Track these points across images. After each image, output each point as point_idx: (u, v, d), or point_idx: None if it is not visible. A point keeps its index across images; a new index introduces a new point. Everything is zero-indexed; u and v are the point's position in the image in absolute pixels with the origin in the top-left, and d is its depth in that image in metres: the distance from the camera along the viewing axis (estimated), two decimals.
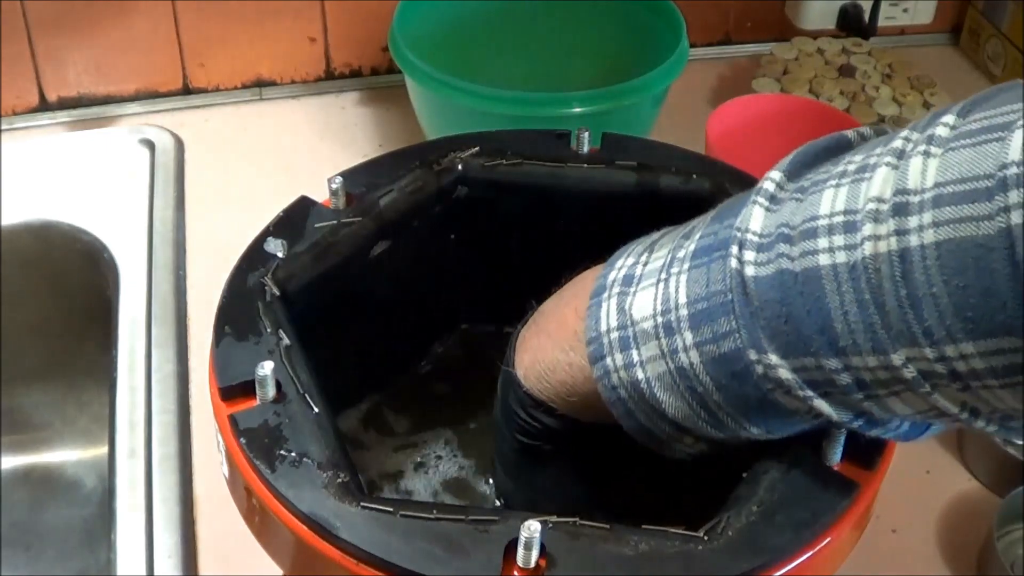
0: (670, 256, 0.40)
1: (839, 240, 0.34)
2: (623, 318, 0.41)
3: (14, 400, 0.88)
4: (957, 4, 1.10)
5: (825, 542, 0.40)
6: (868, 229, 0.33)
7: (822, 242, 0.34)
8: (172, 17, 0.94)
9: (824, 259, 0.34)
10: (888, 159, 0.34)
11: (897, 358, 0.33)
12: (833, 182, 0.35)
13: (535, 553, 0.38)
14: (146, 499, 0.63)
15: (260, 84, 1.00)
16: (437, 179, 0.56)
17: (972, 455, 0.68)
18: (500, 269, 0.60)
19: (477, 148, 0.57)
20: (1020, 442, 0.68)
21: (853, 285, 0.33)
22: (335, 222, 0.52)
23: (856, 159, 0.35)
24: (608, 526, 0.39)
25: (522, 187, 0.57)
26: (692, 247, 0.40)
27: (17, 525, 0.84)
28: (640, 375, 0.40)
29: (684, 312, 0.39)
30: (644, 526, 0.40)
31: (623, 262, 0.43)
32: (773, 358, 0.36)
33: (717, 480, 0.44)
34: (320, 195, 0.54)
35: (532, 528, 0.37)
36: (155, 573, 0.60)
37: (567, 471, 0.49)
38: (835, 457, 0.42)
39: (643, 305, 0.40)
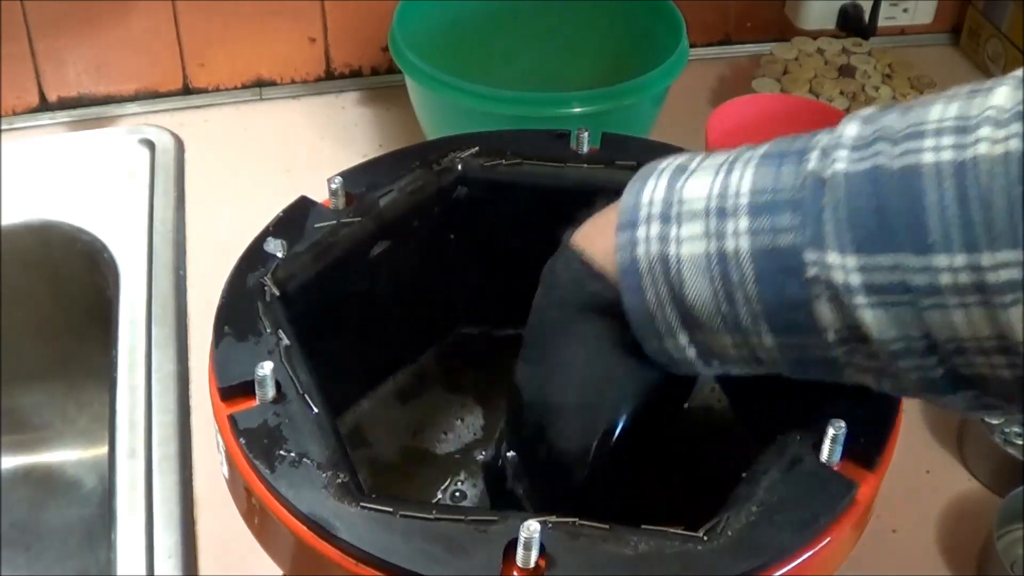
0: (732, 157, 0.40)
1: (947, 140, 0.34)
2: (670, 195, 0.40)
3: (14, 400, 0.88)
4: (957, 4, 1.10)
5: (825, 542, 0.40)
6: (986, 132, 0.33)
7: (928, 142, 0.34)
8: (172, 17, 0.94)
9: (928, 157, 0.34)
10: (1010, 81, 0.34)
11: (988, 258, 0.33)
12: (943, 100, 0.36)
13: (535, 553, 0.38)
14: (146, 499, 0.63)
15: (260, 84, 1.00)
16: (437, 179, 0.56)
17: (972, 455, 0.68)
18: (500, 269, 0.60)
19: (477, 148, 0.57)
20: (1021, 442, 0.68)
21: (957, 182, 0.33)
22: (335, 222, 0.52)
23: (963, 89, 0.36)
24: (608, 526, 0.39)
25: (522, 187, 0.57)
26: (760, 152, 0.40)
27: (17, 525, 0.84)
28: (672, 250, 0.39)
29: (744, 200, 0.38)
30: (644, 526, 0.40)
31: (673, 159, 0.42)
32: (835, 258, 0.36)
33: (717, 480, 0.44)
34: (320, 195, 0.54)
35: (532, 528, 0.37)
36: (155, 573, 0.60)
37: (596, 349, 0.47)
38: (835, 457, 0.42)
39: (697, 187, 0.40)
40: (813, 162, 0.37)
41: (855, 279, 0.36)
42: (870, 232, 0.35)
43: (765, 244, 0.37)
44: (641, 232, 0.40)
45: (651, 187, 0.41)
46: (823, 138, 0.38)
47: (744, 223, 0.38)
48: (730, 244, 0.38)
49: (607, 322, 0.43)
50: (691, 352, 0.41)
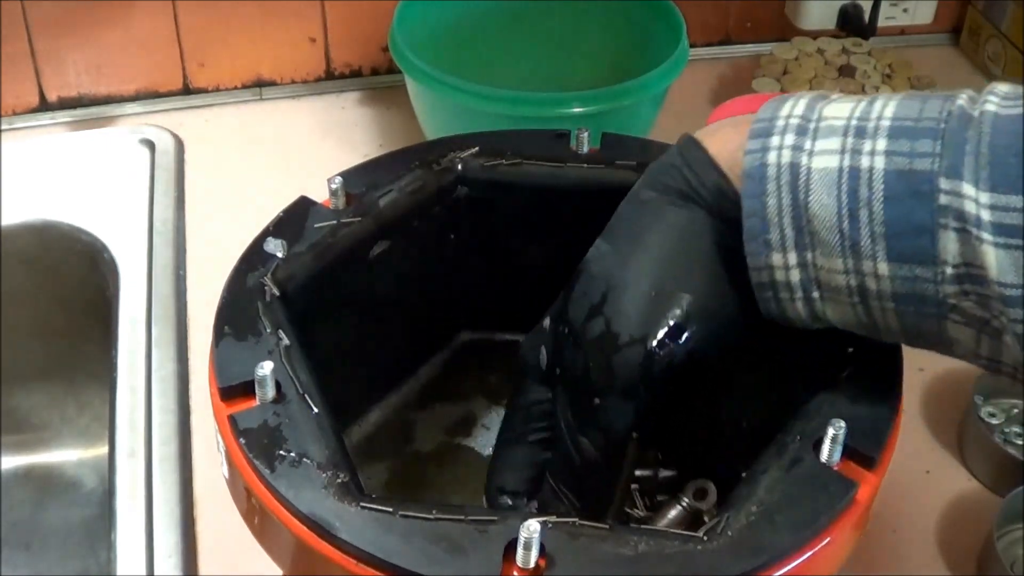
0: (873, 97, 0.41)
1: None
2: (809, 113, 0.41)
3: (14, 400, 0.88)
4: (957, 4, 1.10)
5: (825, 542, 0.40)
6: None
7: None
8: (172, 17, 0.94)
9: None
10: None
11: None
12: None
13: (534, 553, 0.38)
14: (146, 499, 0.63)
15: (260, 84, 1.00)
16: (437, 179, 0.56)
17: (972, 455, 0.68)
18: (500, 268, 0.60)
19: (477, 148, 0.57)
20: (1021, 442, 0.68)
21: None
22: (335, 222, 0.52)
23: None
24: (608, 526, 0.39)
25: (522, 187, 0.57)
26: (901, 94, 0.41)
27: (17, 525, 0.84)
28: (804, 161, 0.39)
29: (885, 123, 0.39)
30: (644, 526, 0.40)
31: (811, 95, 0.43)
32: (969, 190, 0.36)
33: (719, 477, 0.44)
34: (320, 195, 0.54)
35: (531, 528, 0.37)
36: (155, 573, 0.60)
37: (688, 242, 0.46)
38: (835, 457, 0.42)
39: (837, 109, 0.41)
40: (962, 100, 0.38)
41: (986, 215, 0.36)
42: (1009, 173, 0.36)
43: (900, 166, 0.38)
44: (775, 140, 0.40)
45: (790, 105, 0.42)
46: (969, 91, 0.39)
47: (882, 144, 0.38)
48: (864, 162, 0.38)
49: (710, 221, 0.43)
50: (795, 276, 0.41)
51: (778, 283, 0.41)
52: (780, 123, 0.41)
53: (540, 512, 0.46)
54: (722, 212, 0.43)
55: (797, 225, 0.40)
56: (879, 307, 0.40)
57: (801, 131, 0.40)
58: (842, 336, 0.47)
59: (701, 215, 0.44)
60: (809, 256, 0.40)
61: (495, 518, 0.39)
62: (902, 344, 0.44)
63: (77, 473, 0.89)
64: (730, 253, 0.43)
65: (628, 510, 0.50)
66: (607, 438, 0.45)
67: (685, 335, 0.44)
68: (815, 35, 1.02)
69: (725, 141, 0.43)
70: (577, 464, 0.46)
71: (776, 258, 0.41)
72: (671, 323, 0.44)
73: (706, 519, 0.45)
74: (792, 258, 0.41)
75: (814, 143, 0.40)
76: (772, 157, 0.40)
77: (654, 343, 0.43)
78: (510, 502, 0.49)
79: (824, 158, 0.39)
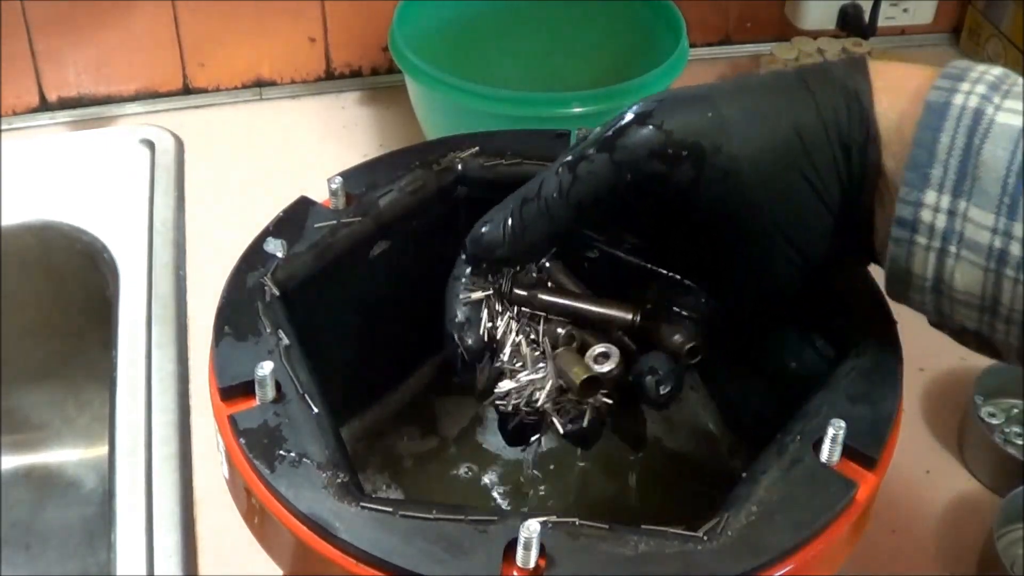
0: None
1: None
2: (1004, 76, 0.41)
3: (14, 400, 0.88)
4: (957, 4, 1.10)
5: (825, 542, 0.40)
6: None
7: None
8: (172, 17, 0.94)
9: None
10: None
11: None
12: None
13: (534, 553, 0.38)
14: (146, 499, 0.63)
15: (260, 84, 1.00)
16: (437, 179, 0.56)
17: (972, 455, 0.68)
18: None
19: (477, 148, 0.57)
20: (1021, 442, 0.68)
21: None
22: (335, 222, 0.52)
23: None
24: (607, 526, 0.39)
25: None
26: None
27: (17, 525, 0.84)
28: (989, 111, 0.39)
29: None
30: (644, 526, 0.40)
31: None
32: None
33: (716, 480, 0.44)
34: (320, 195, 0.54)
35: (531, 528, 0.37)
36: (155, 573, 0.60)
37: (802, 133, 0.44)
38: (835, 457, 0.42)
39: None
40: None
41: None
42: None
43: None
44: (965, 86, 0.40)
45: (984, 67, 0.41)
46: None
47: None
48: None
49: (812, 106, 0.42)
50: (941, 221, 0.40)
51: (921, 223, 0.40)
52: (974, 74, 0.41)
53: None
54: (848, 140, 0.42)
55: (962, 169, 0.39)
56: (1012, 279, 0.39)
57: (993, 87, 0.40)
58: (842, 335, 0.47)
59: (807, 98, 0.43)
60: (963, 205, 0.39)
61: (495, 518, 0.39)
62: (1010, 358, 0.43)
63: (77, 473, 0.89)
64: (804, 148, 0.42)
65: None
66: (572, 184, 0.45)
67: (710, 148, 0.43)
68: (815, 35, 1.02)
69: (905, 78, 0.42)
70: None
71: (930, 196, 0.40)
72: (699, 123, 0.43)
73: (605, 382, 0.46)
74: (945, 201, 0.39)
75: (1003, 100, 0.40)
76: (959, 99, 0.40)
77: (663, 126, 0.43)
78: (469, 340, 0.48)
79: (1010, 115, 0.39)
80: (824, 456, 0.42)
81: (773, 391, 0.51)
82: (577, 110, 0.75)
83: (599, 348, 0.47)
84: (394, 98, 0.97)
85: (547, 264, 0.49)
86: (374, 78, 1.02)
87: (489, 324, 0.48)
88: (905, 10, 1.03)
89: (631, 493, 0.57)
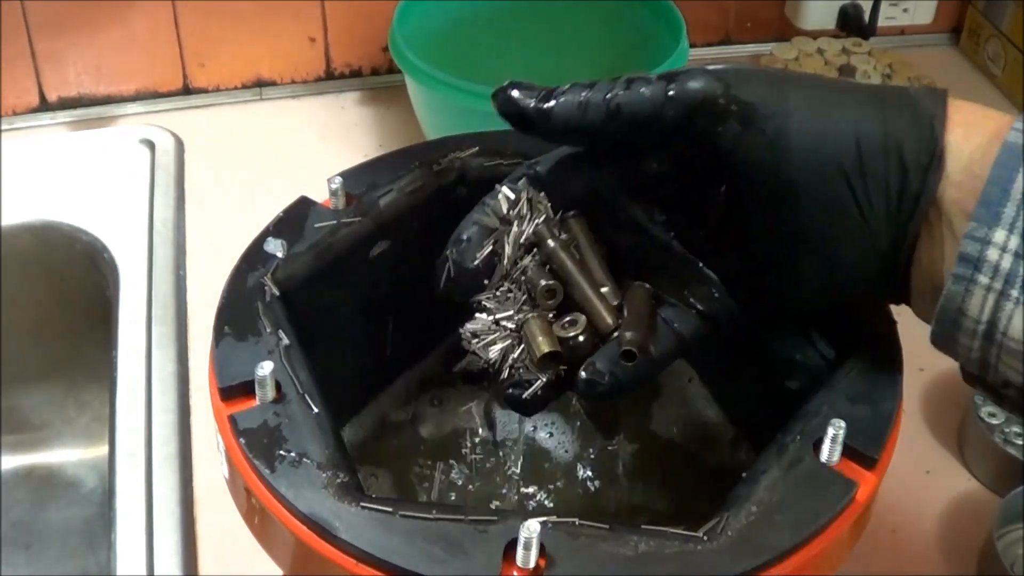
0: None
1: None
2: None
3: (14, 400, 0.88)
4: (957, 4, 1.10)
5: (825, 542, 0.40)
6: None
7: None
8: (172, 17, 0.94)
9: None
10: None
11: None
12: None
13: (534, 553, 0.38)
14: (146, 499, 0.63)
15: (260, 84, 1.00)
16: (437, 179, 0.56)
17: (972, 455, 0.68)
18: None
19: (477, 148, 0.57)
20: (1021, 442, 0.68)
21: None
22: (335, 222, 0.52)
23: None
24: (607, 526, 0.39)
25: None
26: None
27: (17, 525, 0.84)
28: None
29: None
30: (644, 526, 0.40)
31: None
32: None
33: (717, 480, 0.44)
34: (320, 195, 0.54)
35: (531, 528, 0.37)
36: (155, 573, 0.60)
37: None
38: (835, 457, 0.42)
39: None
40: None
41: None
42: None
43: None
44: None
45: None
46: None
47: None
48: None
49: (880, 120, 0.41)
50: (1007, 262, 0.39)
51: (985, 262, 0.39)
52: None
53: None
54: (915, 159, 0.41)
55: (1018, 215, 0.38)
56: None
57: None
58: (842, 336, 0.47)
59: (876, 112, 0.42)
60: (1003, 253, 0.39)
61: (495, 518, 0.39)
62: None
63: (77, 473, 0.89)
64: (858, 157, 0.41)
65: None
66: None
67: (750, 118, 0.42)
68: (815, 35, 1.02)
69: (984, 114, 0.42)
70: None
71: (999, 235, 0.39)
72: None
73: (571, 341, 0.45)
74: (1014, 242, 0.38)
75: None
76: None
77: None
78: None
79: None
80: (824, 456, 0.42)
81: (773, 391, 0.51)
82: None
83: (569, 316, 0.46)
84: (394, 98, 0.97)
85: (571, 217, 0.48)
86: (374, 78, 1.02)
87: (487, 253, 0.47)
88: (905, 10, 1.03)
89: (631, 492, 0.57)
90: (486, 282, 0.48)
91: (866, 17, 1.00)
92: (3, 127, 0.94)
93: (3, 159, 0.87)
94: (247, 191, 0.87)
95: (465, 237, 0.48)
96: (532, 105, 0.46)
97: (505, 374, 0.47)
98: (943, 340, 0.42)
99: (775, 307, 0.46)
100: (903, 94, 0.42)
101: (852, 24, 1.00)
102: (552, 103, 0.45)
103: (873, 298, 0.46)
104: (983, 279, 0.39)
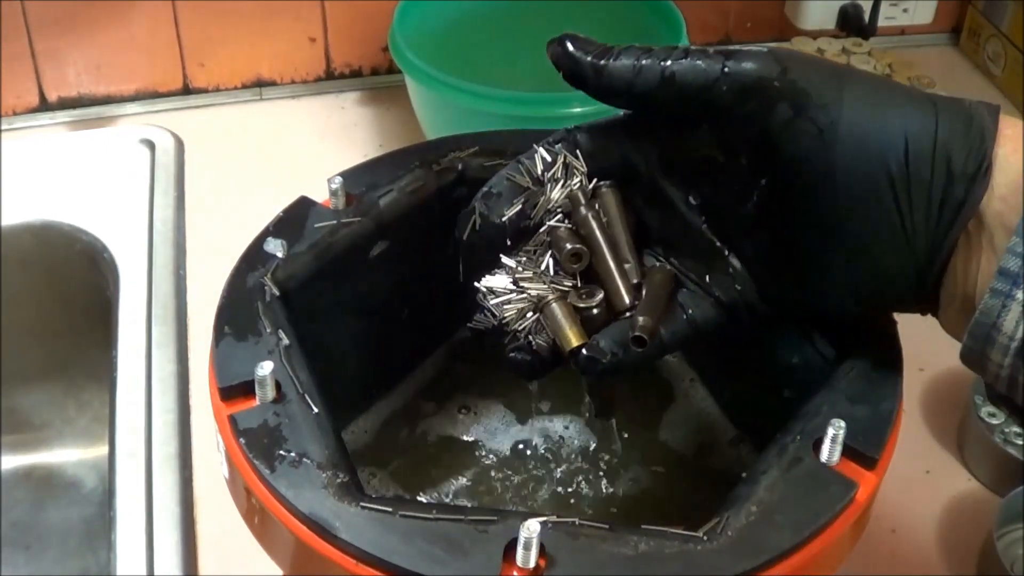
0: None
1: None
2: None
3: (14, 400, 0.88)
4: (957, 4, 1.10)
5: (825, 542, 0.40)
6: None
7: None
8: (172, 17, 0.94)
9: None
10: None
11: None
12: None
13: (534, 553, 0.38)
14: (146, 499, 0.63)
15: (260, 84, 1.00)
16: (437, 179, 0.56)
17: (972, 455, 0.68)
18: None
19: (477, 148, 0.57)
20: (1021, 442, 0.68)
21: None
22: (335, 222, 0.52)
23: None
24: (607, 526, 0.39)
25: None
26: None
27: (17, 525, 0.84)
28: None
29: None
30: (644, 526, 0.40)
31: None
32: None
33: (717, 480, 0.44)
34: (320, 195, 0.54)
35: (531, 528, 0.37)
36: (155, 573, 0.60)
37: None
38: (835, 457, 0.42)
39: None
40: None
41: None
42: None
43: None
44: None
45: None
46: None
47: None
48: None
49: (930, 122, 0.41)
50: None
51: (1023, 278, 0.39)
52: None
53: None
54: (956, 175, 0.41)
55: None
56: None
57: None
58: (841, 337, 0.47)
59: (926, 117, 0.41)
60: None
61: (495, 518, 0.39)
62: None
63: (77, 473, 0.89)
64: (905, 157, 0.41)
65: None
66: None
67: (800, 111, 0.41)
68: (815, 35, 1.02)
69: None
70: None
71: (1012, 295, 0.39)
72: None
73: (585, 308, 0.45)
74: None
75: None
76: None
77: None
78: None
79: None
80: (824, 456, 0.42)
81: (773, 391, 0.51)
82: (577, 110, 0.75)
83: (586, 287, 0.46)
84: (394, 98, 0.97)
85: (604, 187, 0.48)
86: (374, 78, 1.02)
87: (516, 211, 0.47)
88: (905, 10, 1.03)
89: (631, 492, 0.57)
90: (508, 242, 0.48)
91: (866, 17, 1.00)
92: (3, 127, 0.94)
93: (3, 159, 0.87)
94: (247, 191, 0.87)
95: (496, 191, 0.48)
96: (588, 60, 0.45)
97: (511, 336, 0.47)
98: (973, 355, 0.41)
99: (799, 304, 0.45)
100: (957, 102, 0.42)
101: (852, 24, 1.00)
102: (607, 62, 0.45)
103: (900, 306, 0.45)
104: (1021, 295, 0.39)
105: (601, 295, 0.46)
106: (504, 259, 0.48)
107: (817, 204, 0.42)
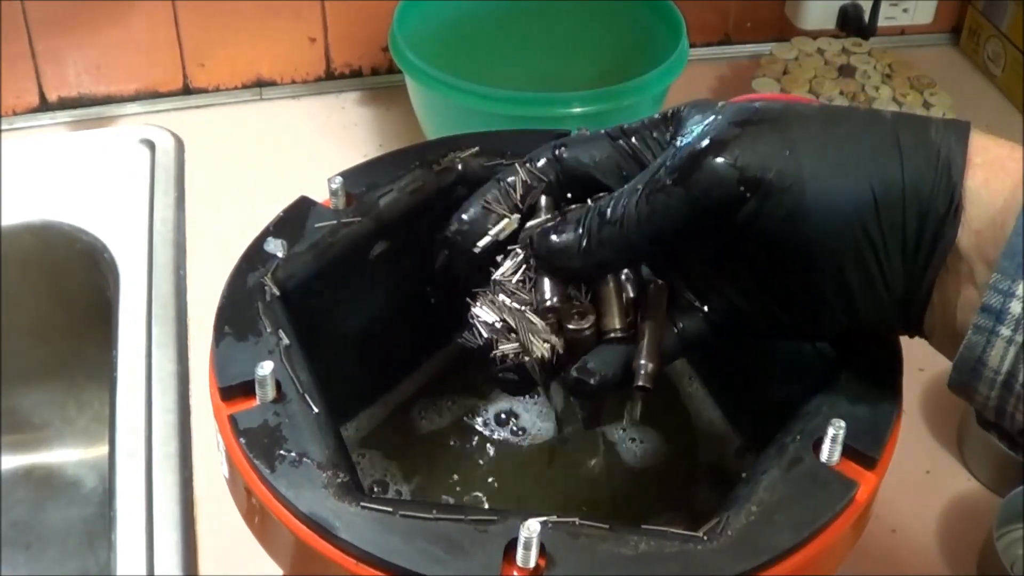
0: None
1: None
2: None
3: (14, 400, 0.88)
4: (957, 4, 1.10)
5: (825, 542, 0.40)
6: None
7: None
8: (172, 17, 0.94)
9: None
10: None
11: None
12: None
13: (534, 553, 0.38)
14: (146, 499, 0.63)
15: (260, 84, 1.00)
16: (437, 179, 0.56)
17: (972, 455, 0.68)
18: None
19: (477, 148, 0.57)
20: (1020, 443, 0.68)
21: None
22: (335, 222, 0.52)
23: None
24: (608, 526, 0.39)
25: None
26: None
27: (17, 525, 0.84)
28: None
29: None
30: (644, 526, 0.40)
31: None
32: None
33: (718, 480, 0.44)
34: (320, 195, 0.54)
35: (531, 528, 0.37)
36: (155, 573, 0.60)
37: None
38: (835, 457, 0.42)
39: None
40: None
41: None
42: None
43: None
44: None
45: None
46: None
47: None
48: None
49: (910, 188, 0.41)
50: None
51: (1008, 314, 0.38)
52: None
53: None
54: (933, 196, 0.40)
55: None
56: None
57: None
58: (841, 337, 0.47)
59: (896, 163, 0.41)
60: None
61: (495, 518, 0.39)
62: None
63: (77, 473, 0.89)
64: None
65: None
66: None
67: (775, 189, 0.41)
68: (815, 35, 1.03)
69: (1008, 153, 0.41)
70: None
71: (1022, 288, 0.38)
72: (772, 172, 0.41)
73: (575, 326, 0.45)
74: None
75: None
76: None
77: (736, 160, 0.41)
78: None
79: None
80: (824, 456, 0.42)
81: (773, 391, 0.51)
82: (577, 110, 0.75)
83: (579, 305, 0.46)
84: (394, 98, 0.97)
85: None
86: (374, 78, 1.02)
87: (496, 231, 0.47)
88: (905, 10, 1.03)
89: (631, 492, 0.57)
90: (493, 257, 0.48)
91: (866, 17, 1.00)
92: (3, 127, 0.94)
93: (3, 159, 0.87)
94: (247, 191, 0.87)
95: (467, 218, 0.48)
96: (576, 259, 0.45)
97: (499, 355, 0.47)
98: (961, 387, 0.41)
99: (790, 332, 0.46)
100: (921, 132, 0.41)
101: (852, 24, 1.00)
102: (600, 248, 0.44)
103: (888, 334, 0.46)
104: (1005, 331, 0.39)
105: (592, 318, 0.46)
106: (495, 278, 0.47)
107: (795, 268, 0.42)
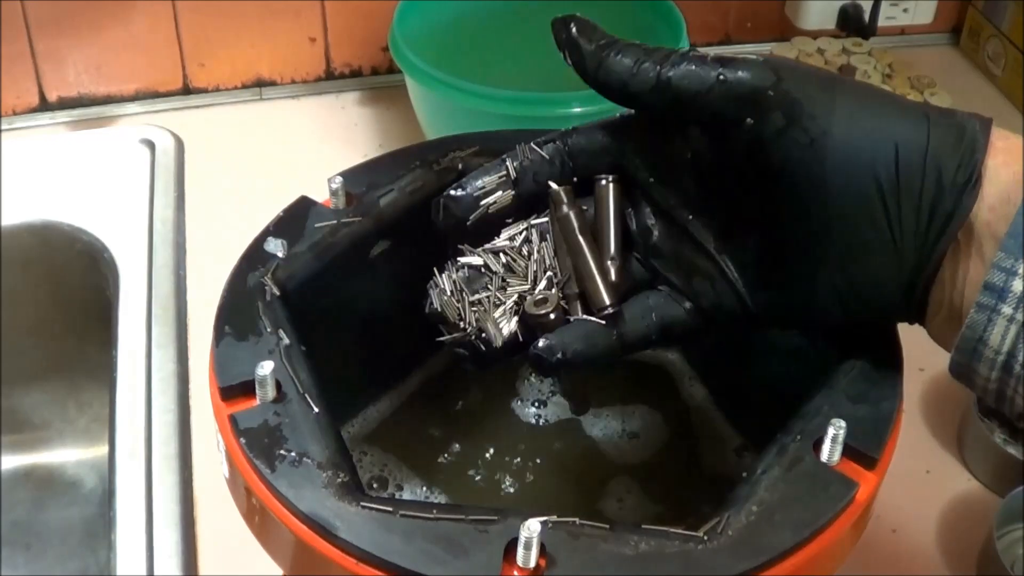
0: None
1: None
2: None
3: (14, 400, 0.88)
4: (957, 4, 1.10)
5: (825, 542, 0.40)
6: None
7: None
8: (172, 17, 0.94)
9: None
10: None
11: None
12: None
13: (535, 553, 0.38)
14: (146, 499, 0.63)
15: (260, 84, 1.00)
16: (437, 179, 0.56)
17: (972, 455, 0.68)
18: None
19: (477, 148, 0.57)
20: (1021, 442, 0.68)
21: None
22: (335, 222, 0.52)
23: None
24: (608, 526, 0.39)
25: None
26: None
27: (17, 525, 0.84)
28: None
29: None
30: (644, 526, 0.40)
31: None
32: None
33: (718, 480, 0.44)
34: (320, 195, 0.54)
35: (532, 528, 0.37)
36: (155, 573, 0.60)
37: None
38: (835, 457, 0.42)
39: None
40: None
41: None
42: None
43: None
44: None
45: None
46: None
47: None
48: None
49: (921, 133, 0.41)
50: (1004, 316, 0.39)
51: (1011, 293, 0.39)
52: None
53: None
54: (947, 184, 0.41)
55: None
56: None
57: None
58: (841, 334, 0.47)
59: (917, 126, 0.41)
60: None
61: (495, 518, 0.39)
62: None
63: (77, 473, 0.89)
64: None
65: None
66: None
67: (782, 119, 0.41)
68: (815, 35, 1.03)
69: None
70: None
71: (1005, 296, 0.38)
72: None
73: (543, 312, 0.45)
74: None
75: None
76: None
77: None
78: None
79: None
80: (824, 456, 0.42)
81: (773, 390, 0.51)
82: (577, 110, 0.75)
83: (540, 294, 0.46)
84: (394, 98, 0.97)
85: (608, 180, 0.48)
86: (374, 78, 1.02)
87: (488, 201, 0.48)
88: (905, 10, 1.03)
89: (631, 492, 0.57)
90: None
91: (866, 17, 1.00)
92: (3, 127, 0.94)
93: (3, 159, 0.87)
94: (247, 191, 0.87)
95: (466, 186, 0.48)
96: (591, 49, 0.47)
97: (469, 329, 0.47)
98: (962, 369, 0.41)
99: (785, 312, 0.45)
100: (949, 114, 0.42)
101: (852, 24, 1.00)
102: (607, 56, 0.46)
103: (886, 316, 0.45)
104: (1007, 310, 0.39)
105: (554, 299, 0.46)
106: (466, 254, 0.49)
107: (807, 210, 0.42)
